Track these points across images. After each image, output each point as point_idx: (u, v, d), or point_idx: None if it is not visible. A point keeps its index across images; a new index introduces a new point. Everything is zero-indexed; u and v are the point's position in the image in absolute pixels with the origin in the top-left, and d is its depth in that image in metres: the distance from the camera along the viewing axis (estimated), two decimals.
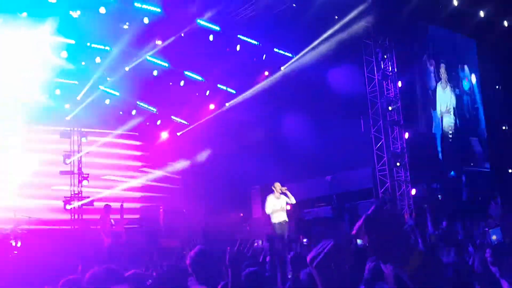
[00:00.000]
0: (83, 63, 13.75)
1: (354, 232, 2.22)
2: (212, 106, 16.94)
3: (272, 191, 10.98)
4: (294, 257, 5.28)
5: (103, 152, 15.66)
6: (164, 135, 17.45)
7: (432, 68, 15.94)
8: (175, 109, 16.81)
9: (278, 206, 10.75)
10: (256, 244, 7.15)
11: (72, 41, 12.82)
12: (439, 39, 16.26)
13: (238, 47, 14.58)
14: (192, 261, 3.66)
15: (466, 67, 17.17)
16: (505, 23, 16.46)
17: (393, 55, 14.45)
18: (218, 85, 16.26)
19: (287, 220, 10.94)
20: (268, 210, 10.81)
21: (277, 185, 10.86)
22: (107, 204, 12.40)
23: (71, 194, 14.01)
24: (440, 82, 16.08)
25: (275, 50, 15.28)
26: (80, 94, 14.38)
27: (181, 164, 16.25)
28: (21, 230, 11.62)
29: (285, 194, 10.87)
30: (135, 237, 13.16)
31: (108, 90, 14.85)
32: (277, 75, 15.26)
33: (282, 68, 15.62)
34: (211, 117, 16.71)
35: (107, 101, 15.23)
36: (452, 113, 16.26)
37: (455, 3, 14.91)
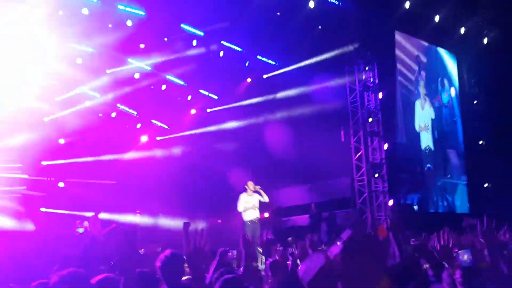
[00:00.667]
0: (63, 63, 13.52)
1: (332, 258, 2.21)
2: (193, 111, 16.87)
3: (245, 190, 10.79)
4: (273, 264, 5.19)
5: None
6: (144, 138, 17.27)
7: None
8: (155, 112, 16.66)
9: (250, 204, 10.56)
10: (230, 254, 7.03)
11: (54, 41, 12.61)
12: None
13: (221, 53, 14.58)
14: (162, 264, 3.45)
15: (445, 81, 17.39)
16: (485, 40, 16.78)
17: (375, 67, 14.59)
18: (200, 90, 16.20)
19: (259, 217, 10.73)
20: (240, 208, 10.60)
21: (250, 183, 10.70)
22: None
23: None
24: (419, 99, 16.21)
25: (258, 57, 15.32)
26: (59, 95, 14.15)
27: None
28: None
29: (258, 193, 10.69)
30: (111, 240, 12.94)
31: (88, 91, 14.65)
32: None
33: (264, 76, 15.67)
34: (192, 123, 16.65)
35: (87, 103, 15.02)
36: (430, 130, 16.35)
37: (436, 19, 15.16)
